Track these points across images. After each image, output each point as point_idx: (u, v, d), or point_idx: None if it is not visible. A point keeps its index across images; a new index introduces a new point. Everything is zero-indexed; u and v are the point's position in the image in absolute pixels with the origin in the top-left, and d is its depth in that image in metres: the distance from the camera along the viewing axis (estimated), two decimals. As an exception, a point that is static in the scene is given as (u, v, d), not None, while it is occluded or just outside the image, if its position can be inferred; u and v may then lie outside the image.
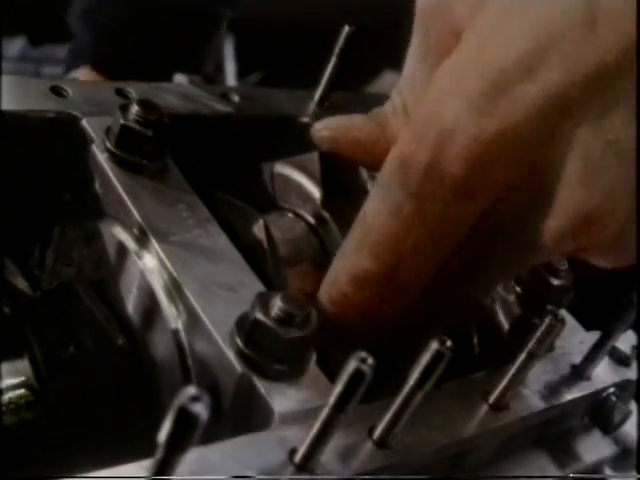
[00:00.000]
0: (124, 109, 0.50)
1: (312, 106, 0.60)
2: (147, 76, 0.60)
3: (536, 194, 0.42)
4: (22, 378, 0.49)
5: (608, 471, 0.57)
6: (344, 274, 0.45)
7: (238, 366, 0.41)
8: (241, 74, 1.57)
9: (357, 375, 0.33)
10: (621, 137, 0.40)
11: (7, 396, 0.48)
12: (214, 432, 0.40)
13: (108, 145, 0.50)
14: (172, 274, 0.45)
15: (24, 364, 0.50)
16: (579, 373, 0.53)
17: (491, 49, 0.41)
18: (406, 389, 0.38)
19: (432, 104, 0.43)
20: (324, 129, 0.53)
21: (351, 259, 0.45)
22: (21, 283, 0.54)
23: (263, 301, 0.41)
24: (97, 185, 0.51)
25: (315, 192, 0.55)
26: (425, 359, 0.36)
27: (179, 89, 0.60)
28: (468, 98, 0.41)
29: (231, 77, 1.57)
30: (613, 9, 0.39)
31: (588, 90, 0.40)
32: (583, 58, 0.39)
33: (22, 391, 0.49)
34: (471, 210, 0.43)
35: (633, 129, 0.40)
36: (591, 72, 0.39)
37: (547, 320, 0.44)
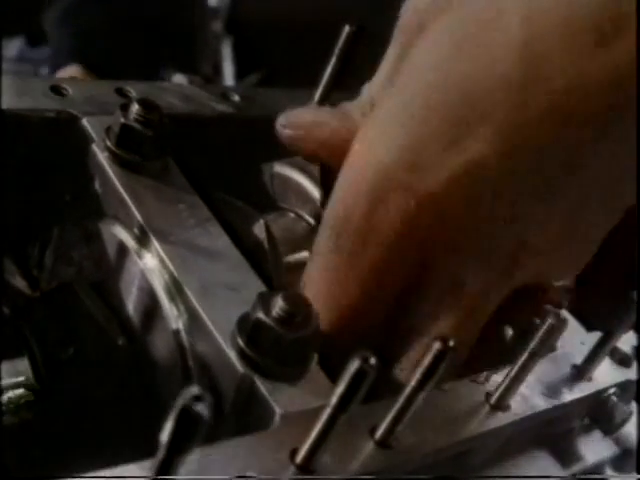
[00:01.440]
0: (124, 108, 0.50)
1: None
2: (133, 76, 0.60)
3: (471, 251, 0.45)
4: (22, 378, 0.49)
5: (609, 472, 0.57)
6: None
7: (239, 366, 0.41)
8: (239, 75, 1.57)
9: (360, 375, 0.33)
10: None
11: (6, 396, 0.48)
12: (215, 432, 0.40)
13: (108, 144, 0.50)
14: (173, 274, 0.45)
15: (24, 364, 0.50)
16: (580, 373, 0.53)
17: (418, 108, 0.43)
18: (408, 389, 0.38)
19: (362, 163, 0.44)
20: (288, 127, 0.52)
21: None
22: (20, 283, 0.54)
23: (264, 301, 0.41)
24: (97, 185, 0.50)
25: (315, 192, 0.55)
26: (427, 359, 0.36)
27: (179, 89, 0.60)
28: (398, 162, 0.43)
29: (229, 78, 1.57)
30: (547, 69, 0.40)
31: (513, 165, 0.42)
32: (515, 125, 0.41)
33: (22, 391, 0.49)
34: (405, 267, 0.45)
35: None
36: (520, 142, 0.41)
37: (549, 320, 0.44)
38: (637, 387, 0.57)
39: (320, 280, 0.46)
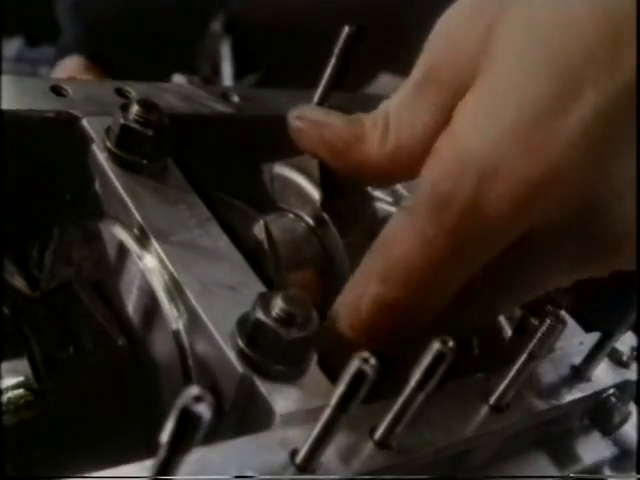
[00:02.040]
0: (124, 109, 0.50)
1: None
2: (138, 71, 0.60)
3: (577, 230, 0.44)
4: (21, 378, 0.49)
5: (608, 472, 0.57)
6: (366, 301, 0.45)
7: (239, 366, 0.41)
8: (238, 76, 1.57)
9: (359, 375, 0.33)
10: None
11: (6, 396, 0.48)
12: (215, 433, 0.40)
13: (108, 145, 0.50)
14: (172, 274, 0.45)
15: (23, 364, 0.50)
16: (579, 374, 0.53)
17: (520, 85, 0.42)
18: (407, 390, 0.38)
19: (469, 140, 0.43)
20: (299, 118, 0.52)
21: (375, 288, 0.45)
22: (20, 283, 0.54)
23: (264, 301, 0.41)
24: (97, 185, 0.51)
25: (314, 193, 0.55)
26: (426, 360, 0.36)
27: (179, 89, 0.60)
28: (509, 136, 0.41)
29: (228, 78, 1.57)
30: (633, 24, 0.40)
31: (624, 114, 0.41)
32: (615, 81, 0.40)
33: (21, 391, 0.49)
34: (505, 244, 0.44)
35: None
36: (624, 94, 0.41)
37: (548, 321, 0.44)
38: (637, 389, 0.57)
39: (409, 248, 0.44)
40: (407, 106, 0.48)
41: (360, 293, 0.46)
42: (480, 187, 0.41)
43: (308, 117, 0.52)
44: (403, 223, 0.45)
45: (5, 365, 0.49)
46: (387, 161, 0.48)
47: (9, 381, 0.49)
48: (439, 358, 0.36)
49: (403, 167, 0.48)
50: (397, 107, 0.48)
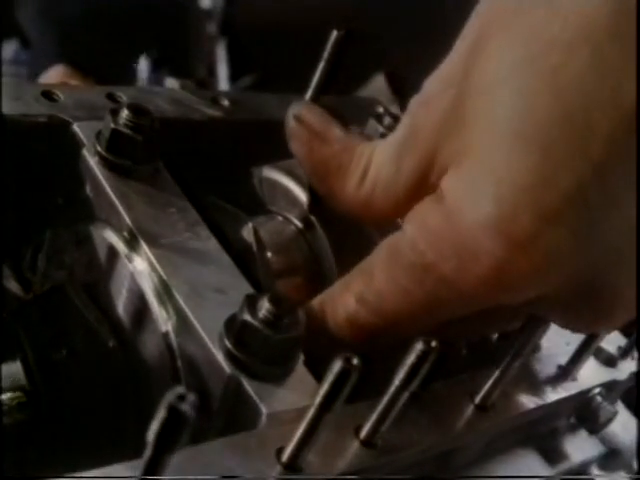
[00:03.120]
0: (114, 113, 0.50)
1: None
2: (116, 69, 0.60)
3: (565, 300, 0.44)
4: (14, 380, 0.49)
5: (595, 470, 0.58)
6: (341, 311, 0.46)
7: (227, 367, 0.41)
8: (234, 77, 1.57)
9: (343, 375, 0.34)
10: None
11: (-1, 398, 0.49)
12: (203, 432, 0.40)
13: (99, 149, 0.50)
14: (162, 277, 0.46)
15: (16, 366, 0.50)
16: (565, 373, 0.54)
17: (497, 165, 0.41)
18: (392, 389, 0.38)
19: (451, 222, 0.42)
20: (297, 120, 0.52)
21: (351, 303, 0.46)
22: (13, 286, 0.54)
23: (251, 303, 0.42)
24: (88, 189, 0.51)
25: (302, 196, 0.55)
26: (410, 359, 0.37)
27: (169, 94, 0.60)
28: (487, 224, 0.41)
29: (223, 80, 1.57)
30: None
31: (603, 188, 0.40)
32: (587, 157, 0.39)
33: (14, 393, 0.49)
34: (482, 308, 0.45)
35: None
36: (598, 169, 0.39)
37: (531, 321, 0.45)
38: (637, 400, 0.58)
39: (389, 287, 0.45)
40: (387, 165, 0.47)
41: (337, 302, 0.47)
42: (459, 268, 0.42)
43: (307, 121, 0.52)
44: (389, 259, 0.45)
45: (-1, 367, 0.49)
46: (357, 205, 0.49)
47: (2, 383, 0.49)
48: (422, 357, 0.37)
49: (370, 216, 0.49)
50: (378, 161, 0.48)
